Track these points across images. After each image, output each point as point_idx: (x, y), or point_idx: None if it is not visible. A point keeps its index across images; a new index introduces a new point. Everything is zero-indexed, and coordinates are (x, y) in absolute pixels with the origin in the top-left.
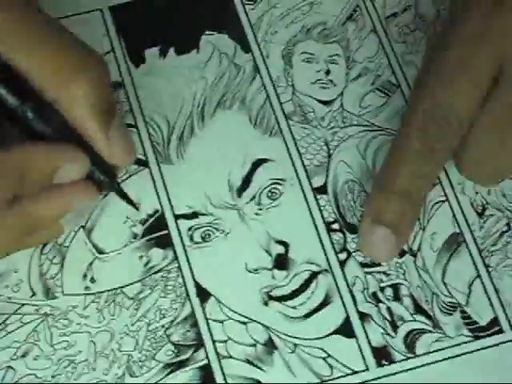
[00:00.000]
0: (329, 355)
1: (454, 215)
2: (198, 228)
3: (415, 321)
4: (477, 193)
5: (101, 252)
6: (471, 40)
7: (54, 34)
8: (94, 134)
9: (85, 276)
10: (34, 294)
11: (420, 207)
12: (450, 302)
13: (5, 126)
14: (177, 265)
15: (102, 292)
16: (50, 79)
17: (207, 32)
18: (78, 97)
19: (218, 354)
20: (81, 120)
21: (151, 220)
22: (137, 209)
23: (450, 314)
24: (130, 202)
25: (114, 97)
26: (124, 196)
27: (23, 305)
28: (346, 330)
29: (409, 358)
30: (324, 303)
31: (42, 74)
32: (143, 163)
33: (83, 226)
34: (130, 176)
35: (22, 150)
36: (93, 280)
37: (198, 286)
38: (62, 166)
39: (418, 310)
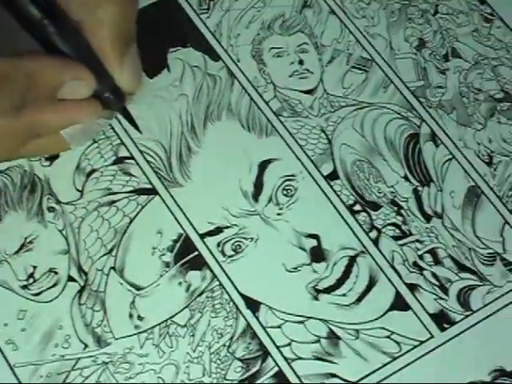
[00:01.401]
0: (392, 332)
1: (465, 170)
2: (227, 241)
3: (462, 279)
4: (479, 143)
5: (139, 288)
6: None
7: None
8: (111, 57)
9: (131, 316)
10: (86, 346)
11: None
12: (488, 254)
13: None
14: (217, 282)
15: (153, 327)
16: (80, 2)
17: (171, 49)
18: (102, 21)
19: (285, 358)
20: (101, 42)
21: (178, 245)
22: (140, 132)
23: (492, 265)
24: (133, 123)
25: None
26: (128, 116)
27: (79, 359)
28: (399, 304)
29: (467, 315)
30: (371, 284)
31: None
32: (152, 192)
33: (113, 267)
34: (143, 208)
35: (32, 57)
36: (140, 318)
37: (244, 297)
38: (67, 81)
39: (461, 267)
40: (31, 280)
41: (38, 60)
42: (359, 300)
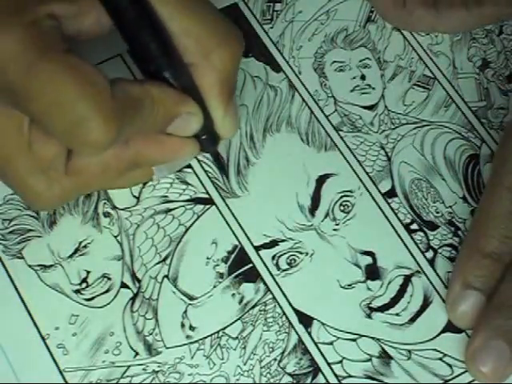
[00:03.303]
0: (444, 354)
1: None
2: (282, 255)
3: None
4: None
5: (192, 298)
6: None
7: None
8: (216, 103)
9: (183, 325)
10: (136, 354)
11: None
12: None
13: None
14: (271, 296)
15: (204, 338)
16: (196, 45)
17: None
18: (215, 67)
19: (336, 375)
20: (209, 87)
21: (232, 256)
22: (227, 176)
23: None
24: (223, 169)
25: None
26: (219, 161)
27: (129, 367)
28: (453, 326)
29: None
30: (425, 304)
31: (190, 39)
32: (208, 202)
33: (167, 276)
34: (199, 217)
35: (158, 84)
36: (192, 328)
37: (297, 312)
38: (183, 113)
39: None
40: (84, 285)
41: (162, 87)
42: (413, 320)
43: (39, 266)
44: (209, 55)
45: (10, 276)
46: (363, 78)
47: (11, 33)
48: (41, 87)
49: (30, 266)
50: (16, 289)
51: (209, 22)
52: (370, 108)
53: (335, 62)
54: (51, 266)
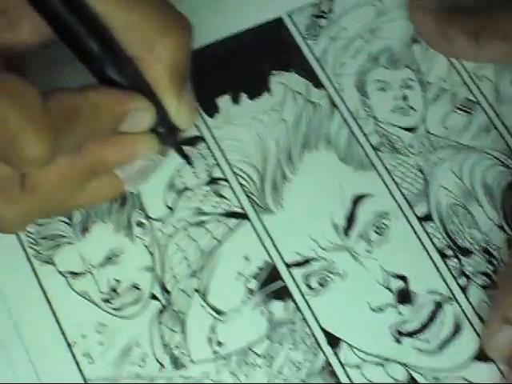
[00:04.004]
0: None
1: None
2: (313, 274)
3: None
4: None
5: (220, 313)
6: None
7: None
8: (168, 94)
9: (210, 340)
10: (162, 367)
11: None
12: None
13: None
14: (300, 315)
15: (231, 354)
16: (138, 38)
17: (274, 73)
18: (160, 58)
19: None
20: (158, 79)
21: (264, 273)
22: (191, 164)
23: None
24: (185, 156)
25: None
26: (181, 152)
27: (153, 379)
28: (483, 355)
29: None
30: (455, 332)
31: (131, 33)
32: (242, 216)
33: (196, 289)
34: (232, 231)
35: (97, 89)
36: (219, 343)
37: (326, 333)
38: (132, 111)
39: None
40: (113, 294)
41: (103, 91)
42: (442, 347)
43: (69, 272)
44: (153, 47)
45: (39, 281)
46: (405, 98)
47: None
48: None
49: (60, 272)
50: (45, 294)
51: (150, 12)
52: (410, 129)
53: (377, 80)
54: (81, 273)
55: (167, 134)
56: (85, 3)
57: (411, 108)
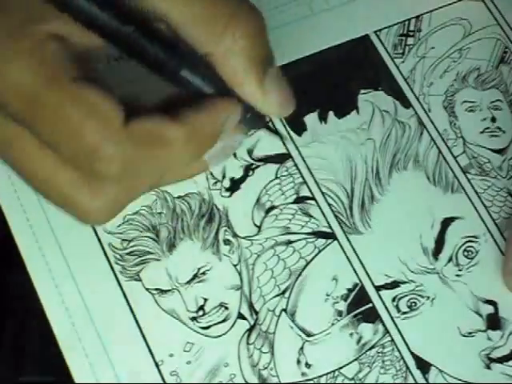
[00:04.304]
0: None
1: None
2: (403, 297)
3: None
4: None
5: (309, 334)
6: None
7: None
8: (248, 88)
9: (299, 362)
10: None
11: None
12: None
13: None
14: (389, 338)
15: (320, 376)
16: (203, 32)
17: (362, 91)
18: (231, 48)
19: None
20: (234, 74)
21: (352, 294)
22: (283, 141)
23: None
24: (279, 134)
25: (272, 50)
26: (270, 129)
27: None
28: None
29: None
30: None
31: (195, 28)
32: (330, 236)
33: (285, 310)
34: (320, 251)
35: (185, 113)
36: (308, 365)
37: (415, 357)
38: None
39: None
40: (201, 312)
41: (190, 115)
42: None
43: (156, 289)
44: (222, 39)
45: (126, 298)
46: (493, 120)
47: (12, 61)
48: (45, 120)
49: (147, 289)
50: (132, 311)
51: (211, 2)
52: (499, 152)
53: (466, 101)
54: (168, 290)
55: (255, 119)
56: (135, 10)
57: (500, 130)
